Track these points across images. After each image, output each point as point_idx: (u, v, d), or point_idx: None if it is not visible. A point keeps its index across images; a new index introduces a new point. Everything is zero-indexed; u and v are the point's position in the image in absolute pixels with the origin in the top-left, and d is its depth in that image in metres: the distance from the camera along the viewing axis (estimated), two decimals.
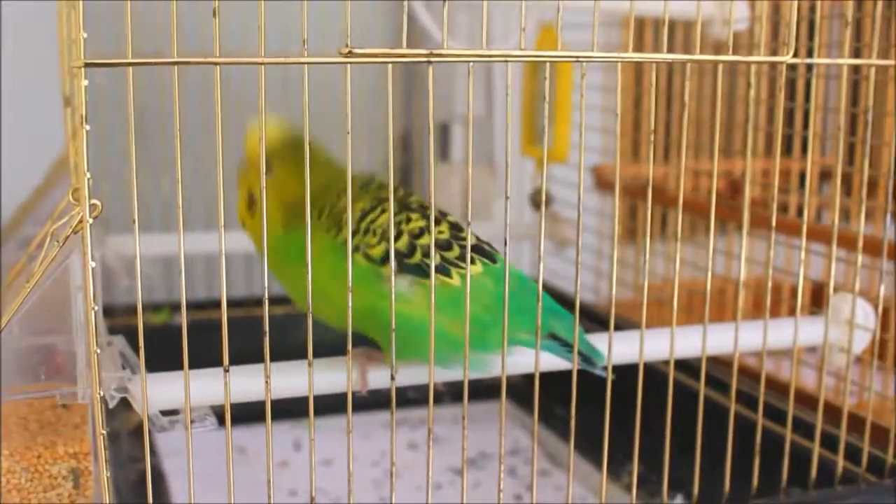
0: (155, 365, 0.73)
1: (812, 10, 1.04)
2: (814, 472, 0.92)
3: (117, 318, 1.25)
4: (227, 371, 0.70)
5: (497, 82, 1.59)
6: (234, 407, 0.82)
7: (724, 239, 1.39)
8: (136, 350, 0.77)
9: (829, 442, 0.93)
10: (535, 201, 1.48)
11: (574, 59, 0.75)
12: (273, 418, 1.30)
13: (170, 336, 0.73)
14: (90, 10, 0.63)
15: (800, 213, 1.22)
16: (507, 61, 0.72)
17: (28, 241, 0.95)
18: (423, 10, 1.27)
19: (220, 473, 0.78)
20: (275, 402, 0.79)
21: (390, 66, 0.69)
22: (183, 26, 0.65)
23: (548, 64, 0.76)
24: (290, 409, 1.05)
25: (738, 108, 1.33)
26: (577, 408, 0.83)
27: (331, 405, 0.83)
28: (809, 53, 1.01)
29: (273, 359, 0.73)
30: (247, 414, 0.91)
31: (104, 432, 0.66)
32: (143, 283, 0.69)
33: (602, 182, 1.49)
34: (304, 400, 0.78)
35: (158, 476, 1.14)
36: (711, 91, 1.34)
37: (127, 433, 1.21)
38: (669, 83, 1.39)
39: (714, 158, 0.82)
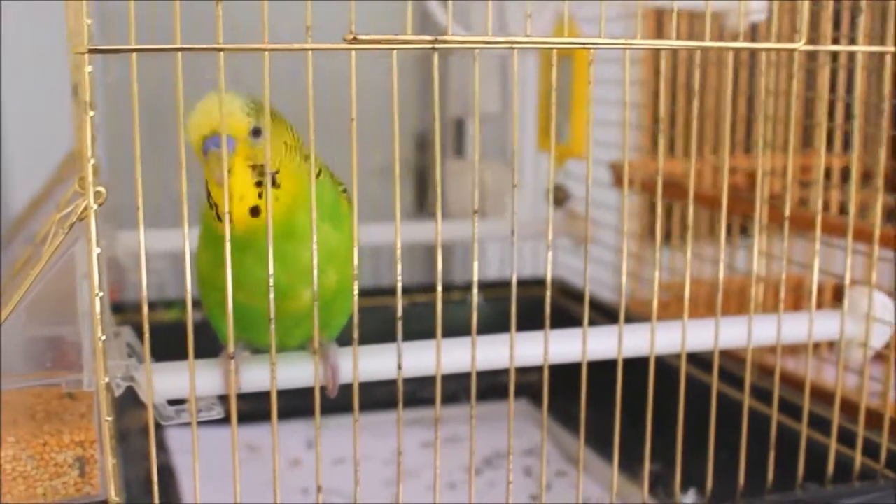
0: (165, 361, 0.73)
1: None
2: (830, 468, 0.90)
3: (128, 314, 1.25)
4: (231, 358, 0.70)
5: (513, 77, 1.58)
6: (246, 404, 0.81)
7: (748, 236, 1.37)
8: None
9: (847, 438, 0.92)
10: (554, 198, 1.47)
11: (582, 46, 0.74)
12: (285, 417, 1.30)
13: (181, 333, 0.73)
14: (110, 9, 0.63)
15: (825, 209, 1.20)
16: (513, 48, 0.71)
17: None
18: (437, 7, 1.27)
19: (231, 472, 0.78)
20: (287, 401, 0.79)
21: (395, 53, 0.69)
22: (199, 21, 0.64)
23: (554, 52, 0.75)
24: (302, 408, 1.05)
25: (759, 100, 1.31)
26: (596, 407, 0.82)
27: (343, 403, 0.82)
28: (835, 42, 1.00)
29: None
30: (258, 412, 0.91)
31: (109, 419, 0.66)
32: (154, 280, 0.69)
33: (621, 178, 1.48)
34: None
35: (168, 473, 1.14)
36: (733, 85, 1.32)
37: (136, 430, 1.21)
38: (689, 76, 1.38)
39: (725, 150, 0.81)
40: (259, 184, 0.69)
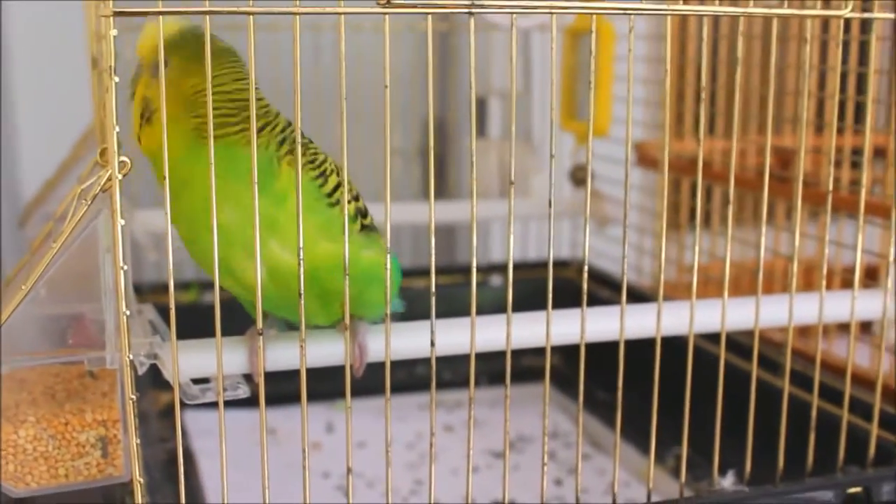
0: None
1: None
2: (871, 451, 0.87)
3: (145, 295, 1.23)
4: (260, 334, 0.67)
5: (535, 56, 1.55)
6: (267, 387, 0.79)
7: (773, 215, 1.34)
8: (167, 320, 0.75)
9: (888, 423, 0.89)
10: (576, 177, 1.44)
11: (623, 12, 0.71)
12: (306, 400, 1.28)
13: (198, 314, 0.71)
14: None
15: (852, 185, 1.17)
16: (552, 12, 0.69)
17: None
18: None
19: (250, 455, 0.76)
20: (308, 384, 0.77)
21: (430, 17, 0.66)
22: None
23: (594, 17, 0.72)
24: (321, 391, 1.03)
25: (789, 75, 1.28)
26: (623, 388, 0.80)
27: (364, 386, 0.80)
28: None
29: None
30: (278, 395, 0.88)
31: (134, 397, 0.64)
32: (172, 258, 0.67)
33: (645, 158, 1.45)
34: (337, 381, 0.75)
35: (188, 456, 1.12)
36: (759, 57, 1.29)
37: (154, 413, 1.18)
38: (715, 52, 1.35)
39: (768, 127, 0.78)
40: (142, 115, 0.72)
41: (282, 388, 0.86)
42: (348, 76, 0.64)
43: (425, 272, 1.44)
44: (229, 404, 0.71)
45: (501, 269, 1.51)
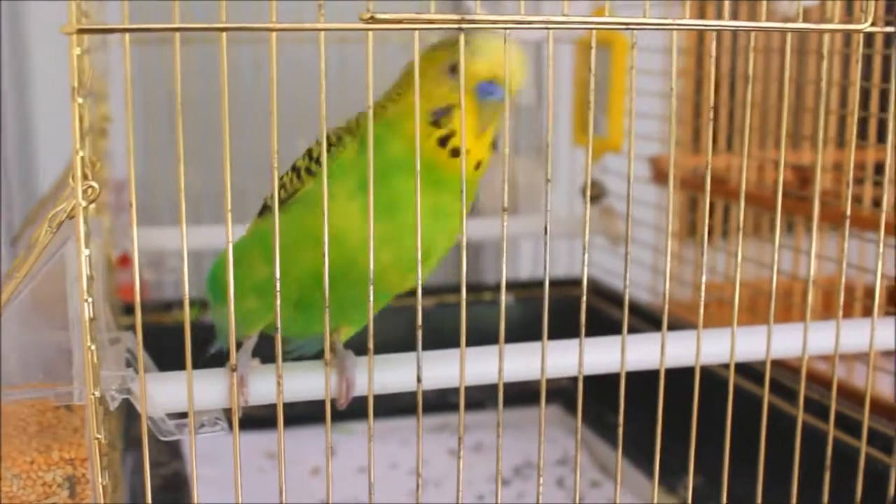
0: (179, 366, 0.67)
1: None
2: (892, 490, 0.83)
3: (145, 315, 1.19)
4: (234, 370, 0.63)
5: (546, 69, 1.51)
6: (265, 409, 0.76)
7: (792, 235, 1.30)
8: (156, 347, 0.71)
9: None
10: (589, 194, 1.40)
11: (624, 28, 0.67)
12: (306, 422, 1.24)
13: (199, 335, 0.67)
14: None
15: (876, 205, 1.12)
16: (547, 28, 0.65)
17: None
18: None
19: (249, 479, 0.72)
20: (307, 406, 0.74)
21: (417, 34, 0.62)
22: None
23: (594, 34, 0.68)
24: (323, 414, 0.99)
25: (808, 91, 1.23)
26: (633, 415, 0.76)
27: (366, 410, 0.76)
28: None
29: None
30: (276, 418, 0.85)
31: (99, 437, 0.60)
32: (171, 278, 0.63)
33: (660, 174, 1.40)
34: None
35: (182, 482, 1.09)
36: (778, 72, 1.25)
37: (150, 436, 1.15)
38: (733, 66, 1.30)
39: (782, 143, 0.74)
40: (494, 145, 0.71)
41: (283, 411, 0.82)
42: (352, 90, 0.61)
43: (436, 291, 1.41)
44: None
45: (515, 287, 1.47)
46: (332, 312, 0.64)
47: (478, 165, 0.70)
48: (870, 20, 0.71)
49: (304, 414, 0.92)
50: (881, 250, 0.79)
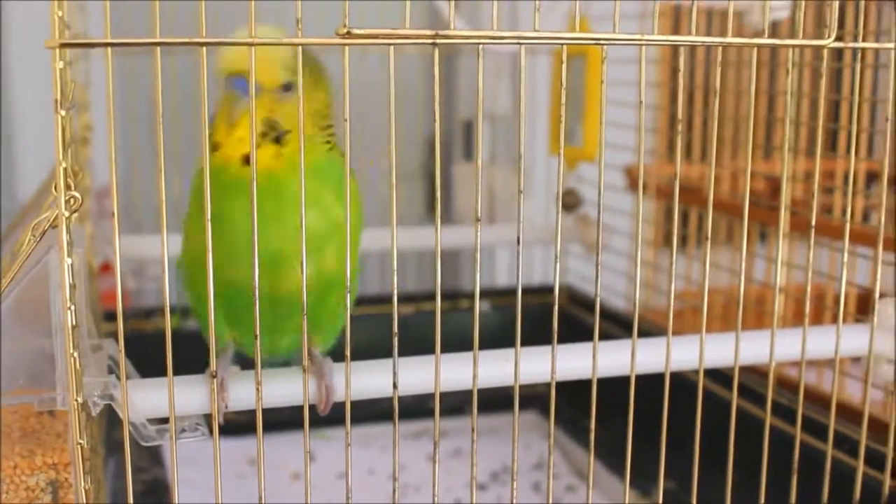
0: (161, 373, 0.68)
1: None
2: (857, 492, 0.85)
3: (127, 322, 1.20)
4: (214, 377, 0.65)
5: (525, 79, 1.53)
6: (246, 415, 0.77)
7: (765, 244, 1.32)
8: (138, 354, 0.73)
9: (876, 460, 0.86)
10: (565, 203, 1.42)
11: (594, 42, 0.69)
12: (287, 428, 1.25)
13: (180, 341, 0.68)
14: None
15: (844, 214, 1.15)
16: (520, 43, 0.66)
17: None
18: (445, 6, 1.22)
19: (230, 485, 0.73)
20: (289, 412, 0.75)
21: (392, 48, 0.64)
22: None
23: (565, 48, 0.70)
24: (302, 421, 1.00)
25: (779, 102, 1.26)
26: (608, 420, 0.77)
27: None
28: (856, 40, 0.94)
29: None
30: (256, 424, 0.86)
31: (82, 442, 0.61)
32: (152, 286, 0.65)
33: (635, 183, 1.42)
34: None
35: (163, 486, 1.10)
36: (755, 85, 1.27)
37: (134, 441, 1.16)
38: (707, 78, 1.33)
39: (748, 153, 0.76)
40: (264, 135, 0.70)
41: (264, 417, 0.83)
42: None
43: (415, 298, 1.42)
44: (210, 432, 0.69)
45: (492, 295, 1.49)
46: (264, 325, 0.67)
47: (247, 159, 0.67)
48: (833, 35, 0.73)
49: (285, 420, 0.93)
50: (845, 259, 0.82)
